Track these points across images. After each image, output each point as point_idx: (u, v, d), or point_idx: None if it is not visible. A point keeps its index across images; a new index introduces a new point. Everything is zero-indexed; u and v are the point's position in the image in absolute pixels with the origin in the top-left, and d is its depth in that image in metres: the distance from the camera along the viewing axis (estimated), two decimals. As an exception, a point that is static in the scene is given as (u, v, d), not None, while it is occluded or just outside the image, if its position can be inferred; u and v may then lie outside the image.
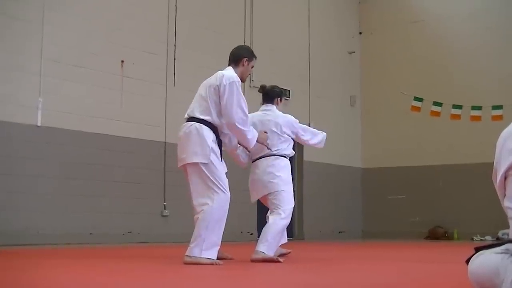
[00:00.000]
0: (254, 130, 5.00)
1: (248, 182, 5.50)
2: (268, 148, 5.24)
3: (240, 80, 4.87)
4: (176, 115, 9.03)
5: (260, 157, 5.36)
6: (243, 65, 5.02)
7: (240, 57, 5.03)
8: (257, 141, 4.99)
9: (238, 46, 5.25)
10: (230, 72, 4.88)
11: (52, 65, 8.18)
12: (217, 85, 4.76)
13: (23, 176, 7.77)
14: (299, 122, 5.66)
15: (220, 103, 4.75)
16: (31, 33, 7.99)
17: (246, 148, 5.19)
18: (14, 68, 7.81)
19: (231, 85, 4.74)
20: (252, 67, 5.11)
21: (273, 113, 5.53)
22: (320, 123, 11.63)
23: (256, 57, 5.14)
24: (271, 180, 5.28)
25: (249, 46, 10.91)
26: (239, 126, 4.73)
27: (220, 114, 4.77)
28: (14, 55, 7.84)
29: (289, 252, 5.81)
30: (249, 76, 5.39)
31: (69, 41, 8.42)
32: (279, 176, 5.29)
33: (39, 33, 8.05)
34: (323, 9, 13.36)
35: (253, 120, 5.37)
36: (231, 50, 5.10)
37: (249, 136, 4.86)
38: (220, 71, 4.92)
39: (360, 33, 14.43)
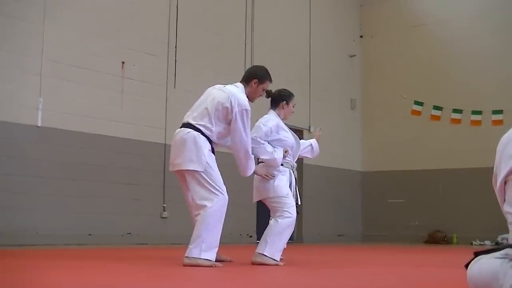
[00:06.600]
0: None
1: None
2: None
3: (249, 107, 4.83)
4: (176, 116, 8.99)
5: (259, 162, 5.38)
6: (252, 86, 5.00)
7: (251, 77, 5.03)
8: (254, 172, 5.04)
9: (256, 65, 5.22)
10: (241, 95, 4.84)
11: (53, 65, 8.17)
12: (227, 107, 4.73)
13: (23, 176, 7.76)
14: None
15: (224, 121, 4.76)
16: (32, 33, 7.99)
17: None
18: (14, 68, 7.81)
19: (246, 112, 4.75)
20: (264, 89, 5.08)
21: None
22: (320, 126, 11.63)
23: (271, 81, 5.11)
24: (264, 187, 5.25)
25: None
26: (249, 154, 4.83)
27: (221, 130, 4.78)
28: (15, 55, 7.83)
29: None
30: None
31: (70, 41, 8.42)
32: (271, 184, 5.23)
33: (40, 34, 8.05)
34: (324, 12, 13.36)
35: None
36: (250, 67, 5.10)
37: (252, 166, 4.92)
38: (230, 89, 4.87)
39: (361, 36, 14.44)
